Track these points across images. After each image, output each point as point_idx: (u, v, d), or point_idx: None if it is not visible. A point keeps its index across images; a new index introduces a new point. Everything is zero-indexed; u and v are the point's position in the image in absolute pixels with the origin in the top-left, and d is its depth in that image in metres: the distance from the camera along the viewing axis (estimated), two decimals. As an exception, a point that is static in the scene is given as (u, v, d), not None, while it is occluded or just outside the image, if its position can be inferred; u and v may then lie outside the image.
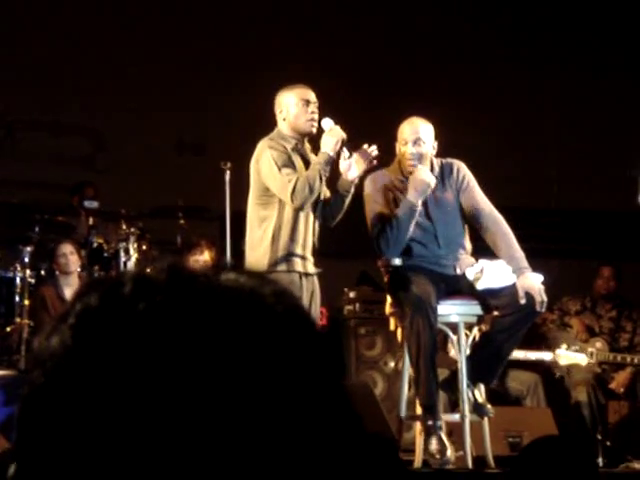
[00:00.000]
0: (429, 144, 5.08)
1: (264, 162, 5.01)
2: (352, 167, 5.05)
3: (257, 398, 0.74)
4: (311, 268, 5.08)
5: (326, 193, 5.15)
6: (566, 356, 6.76)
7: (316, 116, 5.05)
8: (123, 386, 0.73)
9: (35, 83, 8.02)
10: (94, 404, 0.73)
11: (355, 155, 5.04)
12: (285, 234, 5.01)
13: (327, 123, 5.04)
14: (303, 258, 5.05)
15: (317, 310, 5.16)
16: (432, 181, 5.01)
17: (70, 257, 6.70)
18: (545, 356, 6.77)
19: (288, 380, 0.75)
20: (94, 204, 7.24)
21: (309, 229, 5.09)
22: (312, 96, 5.09)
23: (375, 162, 5.07)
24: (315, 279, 5.13)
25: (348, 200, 5.12)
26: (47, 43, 8.12)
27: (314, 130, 5.05)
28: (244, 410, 0.73)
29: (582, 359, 6.76)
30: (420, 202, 5.01)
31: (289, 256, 5.01)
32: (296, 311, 0.79)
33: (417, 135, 5.04)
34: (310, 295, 5.09)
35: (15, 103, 8.05)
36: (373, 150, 5.03)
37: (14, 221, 7.05)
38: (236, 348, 0.74)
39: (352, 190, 5.11)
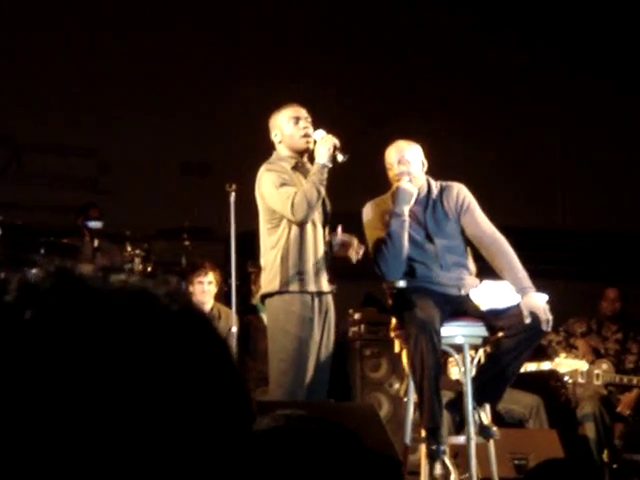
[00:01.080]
0: (416, 164, 5.12)
1: (264, 185, 5.05)
2: (341, 246, 5.13)
3: (152, 399, 0.71)
4: (325, 286, 5.08)
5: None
6: (566, 363, 6.72)
7: (310, 131, 5.08)
8: (11, 393, 0.70)
9: (40, 106, 8.05)
10: None
11: (343, 239, 5.09)
12: (294, 253, 5.02)
13: (319, 134, 5.08)
14: (316, 275, 5.05)
15: (331, 330, 5.14)
16: (413, 189, 5.05)
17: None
18: (544, 366, 6.74)
19: (185, 380, 0.73)
20: (98, 224, 7.25)
21: (319, 245, 5.09)
22: (302, 112, 5.13)
23: (358, 257, 5.11)
24: (329, 298, 5.13)
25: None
26: (51, 66, 8.15)
27: (310, 145, 5.08)
28: (139, 411, 0.71)
29: (582, 365, 6.72)
30: (407, 211, 5.04)
31: (300, 275, 5.01)
32: (191, 311, 0.77)
33: (401, 155, 5.09)
34: (324, 315, 5.08)
35: (20, 126, 8.07)
36: (360, 249, 5.09)
37: (19, 243, 7.06)
38: (129, 350, 0.72)
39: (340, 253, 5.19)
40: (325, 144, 5.01)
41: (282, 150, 5.14)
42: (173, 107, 8.27)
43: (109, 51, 8.28)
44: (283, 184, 5.01)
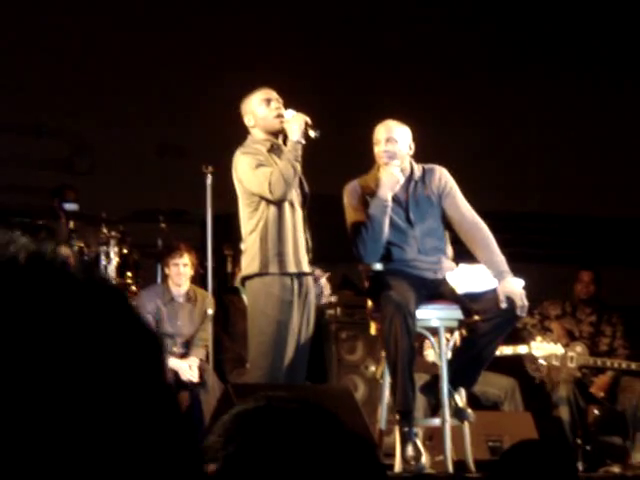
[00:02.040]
0: (403, 144, 5.11)
1: (240, 169, 5.06)
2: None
3: (62, 375, 0.67)
4: (306, 267, 5.09)
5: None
6: (542, 347, 6.76)
7: (282, 111, 5.08)
8: None
9: (14, 86, 7.99)
10: None
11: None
12: (273, 234, 5.03)
13: (289, 113, 5.10)
14: (296, 256, 5.06)
15: (311, 313, 5.15)
16: (400, 177, 5.05)
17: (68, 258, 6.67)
18: (521, 349, 6.77)
19: (98, 354, 0.69)
20: (74, 206, 7.21)
21: (298, 226, 5.10)
22: (273, 94, 5.15)
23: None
24: (310, 281, 5.14)
25: None
26: (26, 45, 8.09)
27: (283, 125, 5.08)
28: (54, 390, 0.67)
29: (557, 349, 6.76)
30: (390, 197, 5.03)
31: (280, 256, 5.02)
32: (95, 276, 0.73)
33: (390, 134, 5.08)
34: (304, 298, 5.09)
35: (-5, 106, 8.01)
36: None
37: (-6, 224, 7.02)
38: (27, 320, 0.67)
39: None
40: (296, 122, 5.02)
41: (257, 133, 5.14)
42: (149, 89, 8.23)
43: (87, 33, 8.22)
44: (259, 165, 5.02)
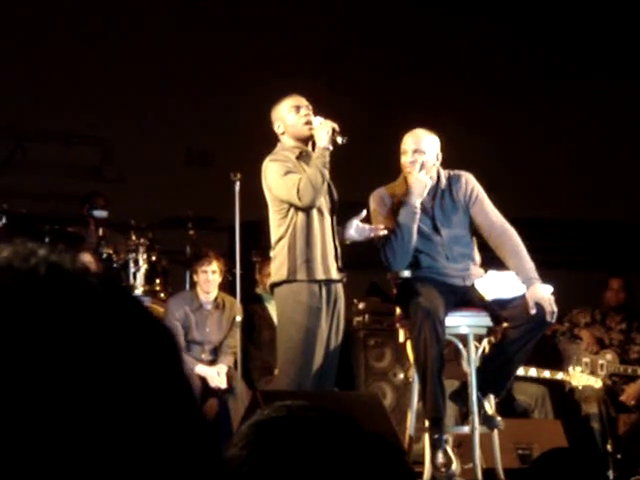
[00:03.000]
0: (431, 154, 5.09)
1: (269, 176, 5.06)
2: (355, 229, 5.07)
3: (90, 383, 0.68)
4: (334, 274, 5.08)
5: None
6: (579, 378, 6.75)
7: (311, 118, 5.08)
8: None
9: (45, 94, 8.04)
10: None
11: (361, 225, 5.07)
12: (301, 241, 5.02)
13: (317, 120, 5.09)
14: (324, 263, 5.04)
15: (340, 320, 5.14)
16: (428, 181, 5.03)
17: (89, 267, 6.70)
18: (558, 376, 6.76)
19: (118, 364, 0.69)
20: (103, 213, 7.25)
21: (327, 233, 5.09)
22: (302, 101, 5.15)
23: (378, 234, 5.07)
24: (339, 287, 5.12)
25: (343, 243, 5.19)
26: (57, 54, 8.14)
27: (312, 132, 5.09)
28: (72, 396, 0.67)
29: (595, 382, 6.74)
30: (419, 203, 5.02)
31: (308, 263, 5.01)
32: (115, 287, 0.73)
33: (418, 146, 5.06)
34: (333, 305, 5.08)
35: (25, 114, 8.07)
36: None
37: (24, 232, 7.06)
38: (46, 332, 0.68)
39: (344, 241, 5.15)
40: (324, 128, 5.02)
41: (286, 141, 5.15)
42: (177, 96, 8.27)
43: (113, 39, 8.27)
44: (288, 172, 5.02)
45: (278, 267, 5.06)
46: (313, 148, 5.14)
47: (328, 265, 5.05)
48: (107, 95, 8.14)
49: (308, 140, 5.13)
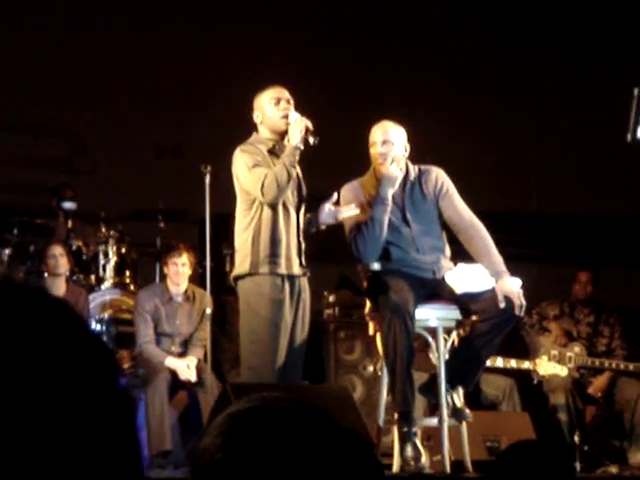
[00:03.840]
0: (399, 146, 5.11)
1: (238, 166, 5.06)
2: (328, 213, 5.09)
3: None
4: (297, 269, 5.08)
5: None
6: (546, 366, 6.79)
7: (289, 112, 5.08)
8: None
9: (13, 85, 7.99)
10: None
11: (331, 207, 5.07)
12: (265, 235, 5.03)
13: (292, 116, 5.08)
14: (287, 259, 5.05)
15: (305, 314, 5.14)
16: (399, 173, 5.05)
17: (60, 259, 6.68)
18: (524, 365, 6.81)
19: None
20: (72, 205, 7.22)
21: (292, 228, 5.09)
22: (284, 94, 5.13)
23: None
24: (302, 281, 5.12)
25: (312, 231, 5.19)
26: (26, 45, 8.09)
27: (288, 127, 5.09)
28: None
29: (561, 370, 6.80)
30: (390, 196, 5.04)
31: (271, 257, 5.01)
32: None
33: (386, 137, 5.08)
34: (296, 298, 5.08)
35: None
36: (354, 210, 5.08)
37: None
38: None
39: (319, 227, 5.16)
40: (298, 126, 5.01)
41: (263, 131, 5.14)
42: (148, 89, 8.23)
43: (85, 31, 8.22)
44: (255, 165, 5.02)
45: (241, 260, 5.07)
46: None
47: (291, 261, 5.06)
48: (77, 86, 8.09)
49: (284, 134, 5.12)
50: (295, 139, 5.00)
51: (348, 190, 5.19)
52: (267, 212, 5.03)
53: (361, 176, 5.27)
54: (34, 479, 0.67)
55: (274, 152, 5.11)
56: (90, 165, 8.23)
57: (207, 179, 5.84)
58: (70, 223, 7.21)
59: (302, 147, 5.02)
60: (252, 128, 5.19)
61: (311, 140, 5.00)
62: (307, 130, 5.01)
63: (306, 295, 5.13)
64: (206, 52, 8.36)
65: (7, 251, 6.77)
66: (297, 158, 5.01)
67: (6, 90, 7.98)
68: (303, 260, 5.13)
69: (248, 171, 5.02)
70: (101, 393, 0.73)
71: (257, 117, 5.15)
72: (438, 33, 8.85)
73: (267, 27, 8.53)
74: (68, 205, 7.21)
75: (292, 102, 5.12)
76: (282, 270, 5.02)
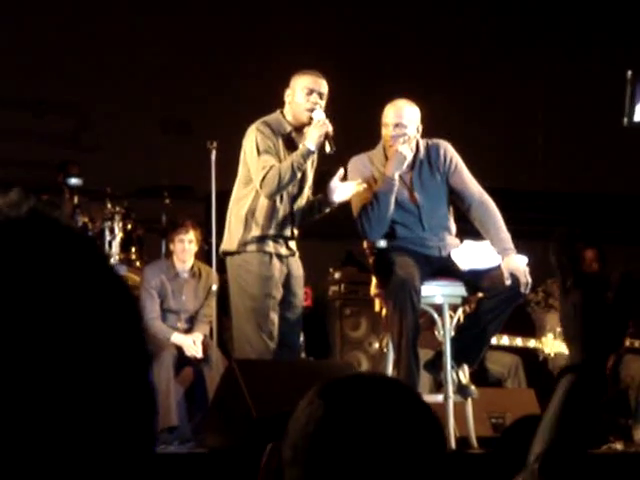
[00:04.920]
0: (413, 126, 5.08)
1: (248, 143, 5.04)
2: (338, 190, 5.04)
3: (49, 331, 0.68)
4: (284, 250, 5.08)
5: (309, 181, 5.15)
6: (552, 344, 6.79)
7: (317, 107, 5.00)
8: None
9: (18, 60, 7.97)
10: None
11: (339, 183, 5.03)
12: (260, 215, 5.04)
13: (317, 115, 4.99)
14: (275, 239, 5.05)
15: (298, 290, 5.14)
16: (409, 154, 5.02)
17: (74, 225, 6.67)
18: (530, 343, 6.81)
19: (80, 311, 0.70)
20: (78, 181, 7.21)
21: (286, 211, 5.08)
22: (319, 86, 5.03)
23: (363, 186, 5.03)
24: (291, 260, 5.12)
25: (326, 211, 5.14)
26: (30, 20, 8.06)
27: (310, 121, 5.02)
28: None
29: (567, 348, 6.79)
30: (397, 175, 5.02)
31: (261, 236, 5.02)
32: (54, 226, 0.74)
33: (399, 119, 5.04)
34: (285, 277, 5.09)
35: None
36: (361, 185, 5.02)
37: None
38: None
39: (333, 206, 5.11)
40: (318, 129, 4.93)
41: (287, 112, 5.08)
42: (154, 64, 8.21)
43: (91, 8, 8.19)
44: (265, 151, 4.97)
45: (230, 237, 5.09)
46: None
47: (279, 241, 5.07)
48: (83, 62, 8.07)
49: (303, 126, 5.06)
50: (311, 142, 4.93)
51: (356, 163, 5.16)
52: (262, 197, 5.04)
53: (371, 149, 5.24)
54: (44, 419, 0.68)
55: (287, 140, 5.06)
56: (96, 141, 8.22)
57: (213, 155, 5.83)
58: (76, 199, 7.20)
59: (315, 152, 4.98)
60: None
61: (327, 148, 4.95)
62: (327, 136, 4.94)
63: (297, 272, 5.13)
64: (216, 28, 8.33)
65: None
66: (308, 162, 4.97)
67: (11, 66, 7.97)
68: (292, 245, 5.12)
69: (257, 154, 4.98)
70: (122, 336, 0.73)
71: (287, 96, 5.08)
72: (450, 16, 8.81)
73: (277, 5, 8.49)
74: (74, 181, 7.21)
75: (325, 97, 5.03)
76: (270, 249, 5.03)
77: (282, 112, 5.11)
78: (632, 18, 8.72)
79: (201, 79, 8.17)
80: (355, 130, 5.68)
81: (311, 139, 4.94)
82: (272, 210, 5.04)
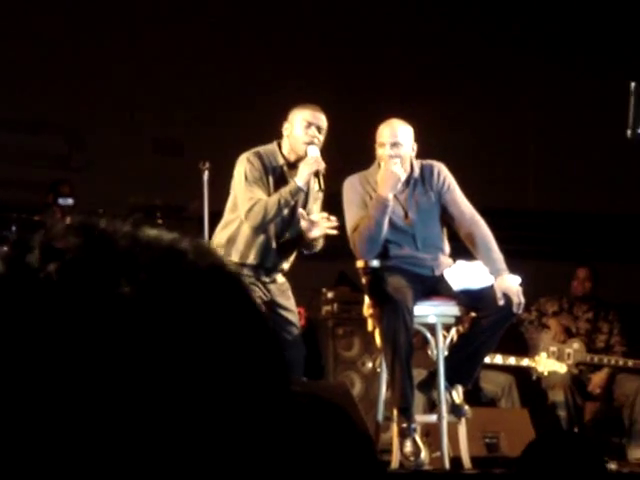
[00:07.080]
0: (407, 146, 5.09)
1: (238, 171, 5.06)
2: (312, 228, 5.03)
3: (185, 360, 0.67)
4: (264, 277, 5.06)
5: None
6: (545, 363, 6.79)
7: (315, 141, 5.01)
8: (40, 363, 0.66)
9: (10, 81, 7.97)
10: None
11: (308, 223, 5.02)
12: (241, 242, 5.03)
13: (312, 151, 5.01)
14: (256, 268, 5.03)
15: (289, 310, 5.12)
16: (402, 174, 5.03)
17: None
18: (524, 362, 6.80)
19: (216, 341, 0.69)
20: (69, 202, 7.20)
21: (271, 241, 5.06)
22: (317, 120, 5.04)
23: (334, 232, 5.04)
24: (272, 287, 5.09)
25: (315, 249, 5.12)
26: (24, 41, 8.07)
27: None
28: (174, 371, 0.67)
29: (560, 367, 6.79)
30: (391, 196, 5.02)
31: (239, 264, 4.97)
32: (220, 268, 0.73)
33: (395, 139, 5.05)
34: (268, 303, 5.03)
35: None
36: (332, 222, 5.00)
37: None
38: (161, 312, 0.67)
39: (317, 245, 5.09)
40: (310, 166, 4.95)
41: (285, 144, 5.09)
42: (146, 85, 8.22)
43: (83, 28, 8.20)
44: (255, 182, 4.98)
45: None
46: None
47: (260, 270, 5.04)
48: (75, 83, 8.08)
49: (300, 160, 5.06)
50: (301, 179, 4.94)
51: (349, 188, 5.17)
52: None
53: (362, 169, 5.24)
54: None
55: (278, 173, 5.06)
56: (88, 161, 8.22)
57: (205, 176, 5.82)
58: (68, 220, 7.19)
59: (304, 189, 4.97)
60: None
61: (315, 187, 4.95)
62: (317, 174, 4.94)
63: (282, 296, 5.09)
64: (209, 50, 8.34)
65: (5, 249, 6.76)
66: (295, 200, 4.96)
67: (4, 86, 7.96)
68: (275, 274, 5.08)
69: (245, 184, 4.98)
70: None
71: (285, 129, 5.10)
72: (439, 27, 8.84)
73: (272, 26, 8.51)
74: (65, 201, 7.20)
75: (324, 131, 5.04)
76: (248, 276, 4.98)
77: (279, 144, 5.11)
78: (631, 28, 8.74)
79: (194, 101, 8.17)
80: (347, 149, 5.69)
81: (301, 176, 4.95)
82: (253, 239, 5.02)
